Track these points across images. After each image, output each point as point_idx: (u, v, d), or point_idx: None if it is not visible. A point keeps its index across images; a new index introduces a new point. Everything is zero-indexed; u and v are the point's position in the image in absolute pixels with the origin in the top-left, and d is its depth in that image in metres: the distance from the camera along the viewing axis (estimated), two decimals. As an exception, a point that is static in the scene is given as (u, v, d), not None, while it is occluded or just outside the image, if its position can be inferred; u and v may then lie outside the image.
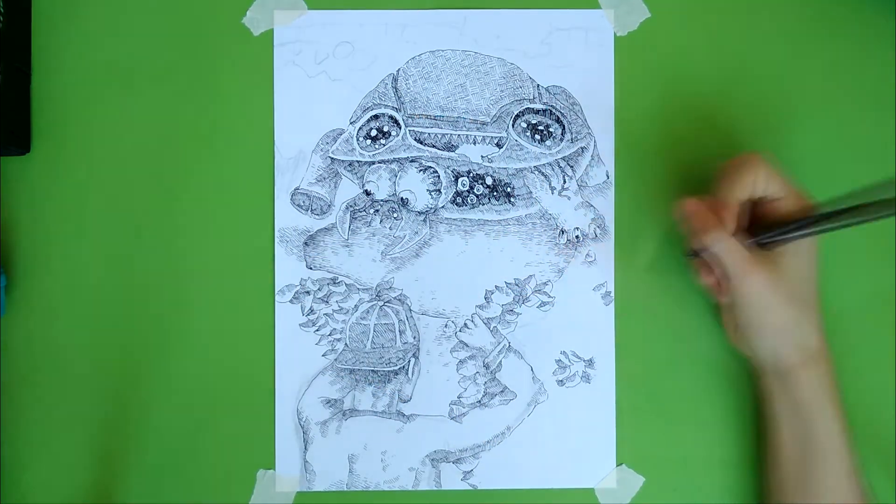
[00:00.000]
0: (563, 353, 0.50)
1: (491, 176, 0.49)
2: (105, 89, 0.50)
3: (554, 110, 0.50)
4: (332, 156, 0.50)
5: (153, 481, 0.49)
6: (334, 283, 0.50)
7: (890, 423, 0.49)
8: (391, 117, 0.50)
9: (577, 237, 0.50)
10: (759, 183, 0.42)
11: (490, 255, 0.50)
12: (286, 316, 0.49)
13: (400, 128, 0.50)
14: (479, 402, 0.49)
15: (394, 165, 0.50)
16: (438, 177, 0.49)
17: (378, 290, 0.50)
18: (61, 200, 0.50)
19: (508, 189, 0.49)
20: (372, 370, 0.50)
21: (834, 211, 0.39)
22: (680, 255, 0.49)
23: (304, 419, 0.49)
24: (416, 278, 0.49)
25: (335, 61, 0.50)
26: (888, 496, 0.48)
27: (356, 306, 0.50)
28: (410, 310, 0.50)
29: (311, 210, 0.50)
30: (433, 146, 0.49)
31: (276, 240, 0.49)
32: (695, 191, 0.49)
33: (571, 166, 0.50)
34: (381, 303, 0.50)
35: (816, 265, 0.44)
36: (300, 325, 0.49)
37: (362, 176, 0.50)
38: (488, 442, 0.49)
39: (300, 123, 0.50)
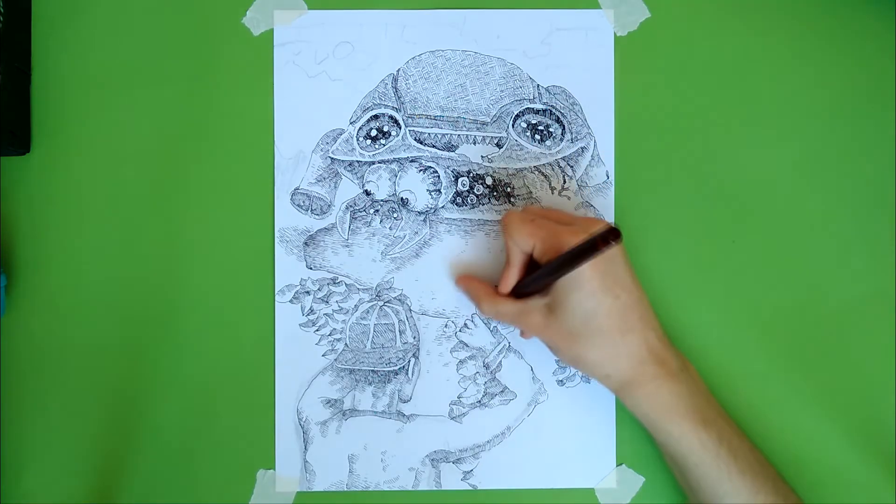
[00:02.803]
0: (563, 353, 0.49)
1: (491, 176, 0.49)
2: (105, 89, 0.50)
3: (554, 110, 0.50)
4: (332, 156, 0.50)
5: (153, 481, 0.49)
6: (334, 283, 0.50)
7: (890, 423, 0.49)
8: (391, 117, 0.50)
9: (577, 237, 0.49)
10: (517, 243, 0.44)
11: (490, 255, 0.50)
12: (286, 316, 0.49)
13: (400, 128, 0.50)
14: (479, 402, 0.49)
15: (394, 165, 0.50)
16: (438, 177, 0.49)
17: (378, 290, 0.50)
18: (61, 200, 0.50)
19: (508, 189, 0.49)
20: (372, 370, 0.50)
21: (559, 258, 0.41)
22: (678, 257, 0.49)
23: (304, 419, 0.49)
24: (416, 278, 0.49)
25: (335, 61, 0.50)
26: (888, 496, 0.48)
27: (356, 306, 0.50)
28: (410, 310, 0.50)
29: (311, 210, 0.50)
30: (433, 146, 0.49)
31: (276, 240, 0.49)
32: (695, 190, 0.49)
33: (571, 166, 0.50)
34: (381, 303, 0.50)
35: (598, 296, 0.42)
36: (300, 325, 0.49)
37: (362, 176, 0.50)
38: (488, 442, 0.49)
39: (300, 123, 0.50)
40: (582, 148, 0.50)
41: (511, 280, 0.45)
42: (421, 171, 0.49)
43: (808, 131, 0.50)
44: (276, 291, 0.49)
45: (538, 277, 0.43)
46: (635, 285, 0.44)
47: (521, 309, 0.44)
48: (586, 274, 0.41)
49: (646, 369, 0.43)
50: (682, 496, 0.49)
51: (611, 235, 0.37)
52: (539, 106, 0.50)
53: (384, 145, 0.50)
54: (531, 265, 0.45)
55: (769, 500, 0.43)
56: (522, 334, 0.48)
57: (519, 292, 0.45)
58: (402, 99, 0.50)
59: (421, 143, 0.49)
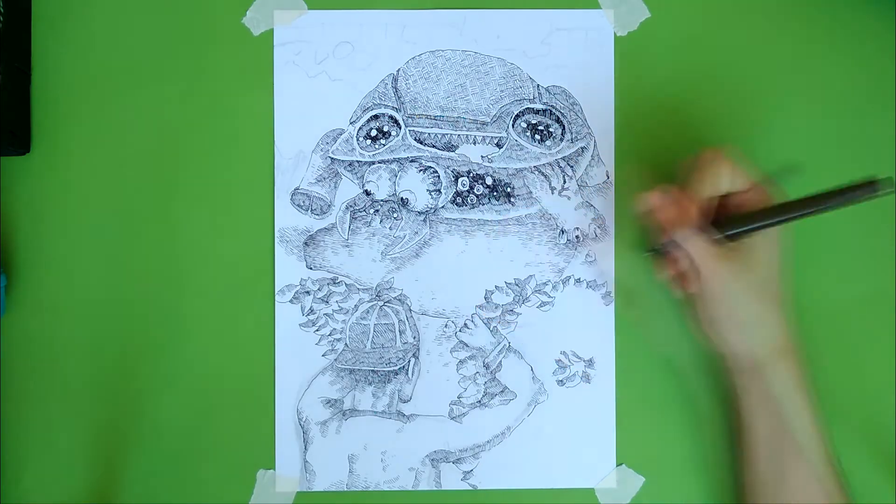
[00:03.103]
0: (563, 353, 0.50)
1: (491, 176, 0.49)
2: (105, 89, 0.50)
3: (554, 110, 0.50)
4: (332, 156, 0.50)
5: (153, 481, 0.49)
6: (334, 283, 0.50)
7: (890, 423, 0.49)
8: (391, 117, 0.50)
9: (577, 237, 0.50)
10: (724, 178, 0.43)
11: (490, 255, 0.50)
12: (286, 316, 0.49)
13: (400, 128, 0.50)
14: (479, 402, 0.49)
15: (394, 165, 0.50)
16: (438, 177, 0.49)
17: (378, 290, 0.50)
18: (61, 200, 0.50)
19: (508, 189, 0.49)
20: (372, 370, 0.50)
21: (795, 200, 0.40)
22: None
23: (304, 419, 0.49)
24: (416, 278, 0.49)
25: (335, 61, 0.50)
26: (888, 496, 0.48)
27: (356, 306, 0.50)
28: (410, 310, 0.50)
29: (311, 210, 0.50)
30: (433, 146, 0.49)
31: (276, 240, 0.49)
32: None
33: (571, 166, 0.50)
34: (381, 303, 0.50)
35: (782, 259, 0.43)
36: (300, 325, 0.49)
37: (362, 176, 0.50)
38: (488, 442, 0.49)
39: (300, 123, 0.50)
40: (582, 148, 0.50)
41: (698, 221, 0.42)
42: (421, 171, 0.49)
43: (808, 131, 0.50)
44: (276, 291, 0.49)
45: (766, 216, 0.41)
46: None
47: (720, 253, 0.42)
48: (776, 233, 0.42)
49: (791, 342, 0.44)
50: (681, 496, 0.49)
51: (876, 187, 0.38)
52: (539, 106, 0.50)
53: (384, 145, 0.50)
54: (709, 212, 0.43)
55: (845, 498, 0.44)
56: (679, 287, 0.45)
57: (728, 231, 0.43)
58: (402, 99, 0.50)
59: (421, 143, 0.49)
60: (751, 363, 0.44)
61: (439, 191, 0.49)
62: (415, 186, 0.49)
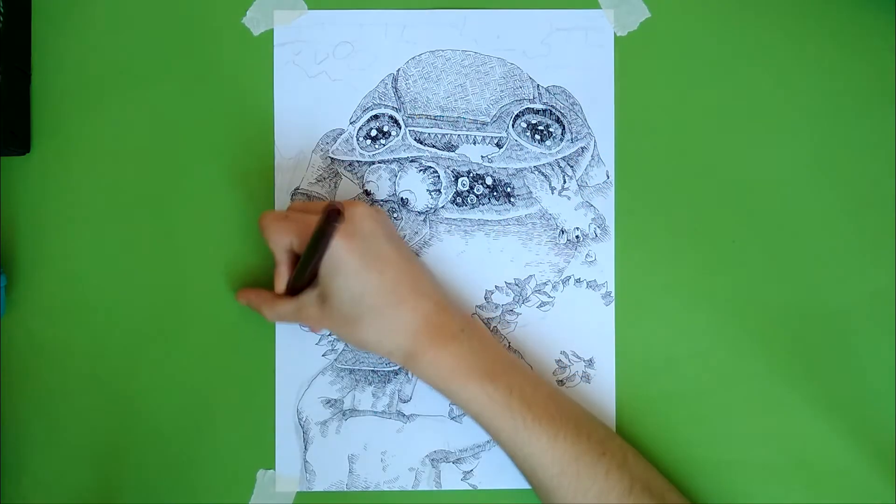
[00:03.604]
0: (563, 353, 0.50)
1: (491, 176, 0.49)
2: (105, 89, 0.50)
3: (554, 110, 0.50)
4: (332, 156, 0.50)
5: (153, 481, 0.49)
6: (334, 283, 0.49)
7: (890, 423, 0.49)
8: (391, 117, 0.50)
9: (577, 237, 0.50)
10: (275, 242, 0.45)
11: (490, 255, 0.50)
12: (286, 316, 0.49)
13: (400, 128, 0.50)
14: (479, 402, 0.49)
15: (394, 165, 0.50)
16: (438, 177, 0.49)
17: (378, 290, 0.50)
18: (61, 200, 0.50)
19: (508, 189, 0.49)
20: (372, 370, 0.50)
21: (307, 247, 0.42)
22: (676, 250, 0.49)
23: (304, 419, 0.49)
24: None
25: (335, 61, 0.50)
26: (888, 496, 0.48)
27: (356, 306, 0.50)
28: (410, 310, 0.50)
29: (311, 210, 0.49)
30: (433, 146, 0.49)
31: (276, 240, 0.49)
32: (695, 190, 0.49)
33: (571, 166, 0.50)
34: (381, 303, 0.50)
35: (361, 275, 0.42)
36: (300, 325, 0.49)
37: (362, 176, 0.50)
38: (488, 442, 0.49)
39: (300, 123, 0.50)
40: (582, 148, 0.50)
41: (281, 279, 0.46)
42: (421, 171, 0.49)
43: (808, 131, 0.50)
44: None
45: (298, 272, 0.44)
46: (401, 257, 0.44)
47: (297, 305, 0.45)
48: (344, 257, 0.42)
49: (423, 338, 0.43)
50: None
51: (331, 217, 0.37)
52: (539, 106, 0.50)
53: (384, 145, 0.50)
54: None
55: (569, 441, 0.43)
56: (312, 329, 0.49)
57: (294, 288, 0.45)
58: (402, 99, 0.50)
59: (421, 143, 0.49)
60: (400, 362, 0.44)
61: (439, 191, 0.49)
62: (415, 186, 0.49)
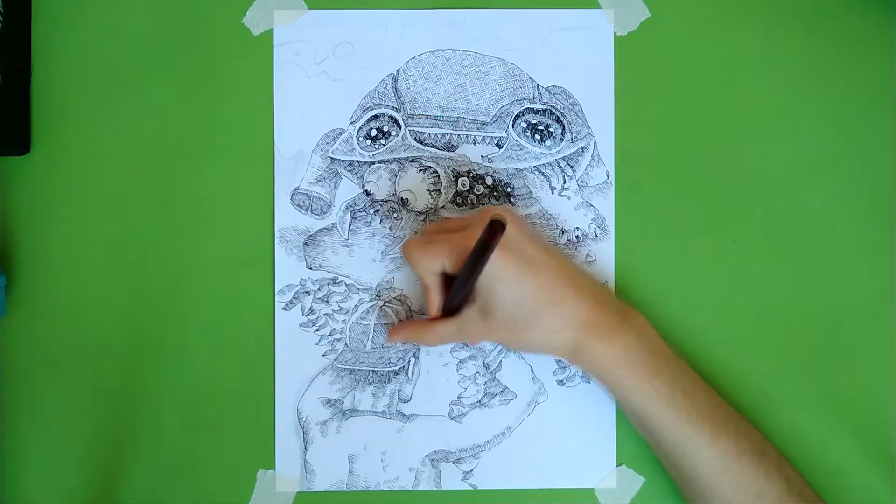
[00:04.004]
0: (563, 353, 0.49)
1: (491, 176, 0.49)
2: (105, 89, 0.50)
3: (554, 110, 0.50)
4: (332, 156, 0.50)
5: (153, 481, 0.49)
6: (334, 283, 0.50)
7: (890, 423, 0.49)
8: (391, 117, 0.50)
9: (577, 237, 0.50)
10: (426, 269, 0.45)
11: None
12: (286, 316, 0.49)
13: (400, 128, 0.50)
14: (479, 402, 0.49)
15: (394, 165, 0.50)
16: (438, 177, 0.49)
17: (378, 290, 0.50)
18: (61, 200, 0.50)
19: (508, 189, 0.49)
20: (372, 370, 0.50)
21: (464, 268, 0.42)
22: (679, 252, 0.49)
23: (304, 419, 0.49)
24: (417, 278, 0.49)
25: (335, 61, 0.50)
26: (888, 496, 0.48)
27: (356, 306, 0.50)
28: (410, 310, 0.50)
29: (311, 210, 0.50)
30: (433, 146, 0.49)
31: (276, 240, 0.49)
32: (695, 190, 0.49)
33: (571, 166, 0.50)
34: (381, 303, 0.50)
35: (519, 280, 0.43)
36: (300, 325, 0.49)
37: (362, 176, 0.50)
38: (488, 442, 0.49)
39: (300, 123, 0.50)
40: (582, 148, 0.50)
41: (435, 302, 0.46)
42: (421, 171, 0.49)
43: (807, 131, 0.50)
44: (276, 291, 0.49)
45: (457, 290, 0.44)
46: (550, 256, 0.44)
47: (459, 324, 0.45)
48: (499, 265, 0.42)
49: (588, 332, 0.44)
50: (681, 497, 0.49)
51: (495, 230, 0.37)
52: (539, 106, 0.50)
53: (384, 145, 0.50)
54: (448, 281, 0.45)
55: (731, 440, 0.43)
56: (472, 343, 0.49)
57: (450, 309, 0.45)
58: (402, 99, 0.50)
59: (421, 143, 0.49)
60: (567, 358, 0.45)
61: (439, 191, 0.49)
62: (415, 186, 0.49)
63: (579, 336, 0.44)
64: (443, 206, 0.49)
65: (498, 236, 0.37)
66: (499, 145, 0.49)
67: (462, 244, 0.43)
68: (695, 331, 0.49)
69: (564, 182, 0.50)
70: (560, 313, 0.44)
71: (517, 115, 0.49)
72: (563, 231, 0.49)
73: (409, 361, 0.50)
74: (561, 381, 0.49)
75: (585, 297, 0.44)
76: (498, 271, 0.42)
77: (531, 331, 0.44)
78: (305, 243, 0.49)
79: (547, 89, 0.50)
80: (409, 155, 0.49)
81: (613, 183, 0.50)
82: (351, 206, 0.50)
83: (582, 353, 0.44)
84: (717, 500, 0.43)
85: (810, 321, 0.49)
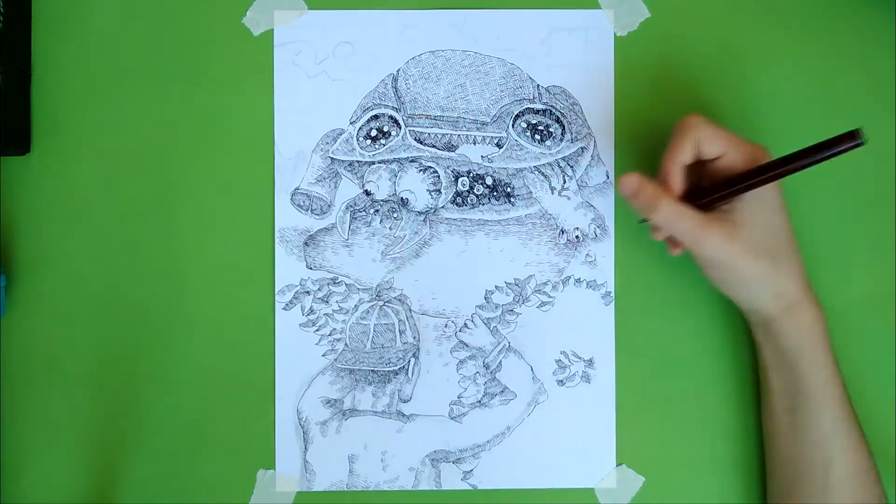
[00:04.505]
0: (563, 353, 0.50)
1: (491, 176, 0.49)
2: (105, 89, 0.50)
3: (554, 110, 0.50)
4: (332, 156, 0.50)
5: (153, 481, 0.49)
6: (334, 283, 0.50)
7: (890, 423, 0.49)
8: (391, 117, 0.50)
9: (577, 237, 0.50)
10: (698, 145, 0.43)
11: (490, 255, 0.50)
12: (286, 316, 0.49)
13: (400, 128, 0.50)
14: (479, 402, 0.49)
15: (394, 165, 0.50)
16: (438, 177, 0.49)
17: (378, 290, 0.50)
18: (61, 200, 0.50)
19: (508, 189, 0.49)
20: (372, 370, 0.50)
21: (768, 164, 0.41)
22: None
23: (304, 419, 0.49)
24: (416, 278, 0.49)
25: (335, 61, 0.50)
26: (888, 496, 0.48)
27: (356, 306, 0.50)
28: (410, 310, 0.50)
29: (311, 210, 0.50)
30: (433, 146, 0.49)
31: (276, 240, 0.49)
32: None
33: (571, 166, 0.50)
34: (381, 303, 0.50)
35: (782, 212, 0.43)
36: (300, 325, 0.49)
37: (362, 176, 0.50)
38: (488, 442, 0.49)
39: (300, 123, 0.50)
40: (582, 148, 0.50)
41: (680, 184, 0.43)
42: (421, 171, 0.49)
43: (807, 131, 0.49)
44: (276, 291, 0.49)
45: (746, 182, 0.41)
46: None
47: (703, 221, 0.42)
48: (771, 191, 0.42)
49: (809, 293, 0.44)
50: (681, 496, 0.49)
51: (854, 137, 0.37)
52: (539, 106, 0.50)
53: (384, 145, 0.50)
54: (690, 177, 0.44)
55: (866, 452, 0.44)
56: (673, 250, 0.46)
57: (696, 201, 0.43)
58: (402, 99, 0.50)
59: (421, 143, 0.49)
60: (761, 318, 0.44)
61: (439, 191, 0.49)
62: (415, 186, 0.49)
63: (802, 293, 0.43)
64: (443, 206, 0.49)
65: (847, 147, 0.37)
66: (499, 145, 0.49)
67: (754, 150, 0.42)
68: (695, 331, 0.49)
69: (564, 182, 0.50)
70: (798, 263, 0.43)
71: (517, 115, 0.49)
72: (563, 231, 0.50)
73: (409, 361, 0.50)
74: (561, 381, 0.49)
75: (801, 260, 0.44)
76: (769, 195, 0.42)
77: (771, 264, 0.42)
78: (305, 243, 0.49)
79: (547, 89, 0.50)
80: (409, 155, 0.50)
81: (613, 183, 0.50)
82: (351, 206, 0.50)
83: (796, 311, 0.43)
84: (827, 501, 0.43)
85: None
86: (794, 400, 0.44)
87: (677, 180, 0.43)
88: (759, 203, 0.42)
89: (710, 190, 0.43)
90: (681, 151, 0.43)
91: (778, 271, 0.43)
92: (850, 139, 0.38)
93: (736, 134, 0.43)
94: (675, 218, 0.42)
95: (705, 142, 0.43)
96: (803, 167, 0.40)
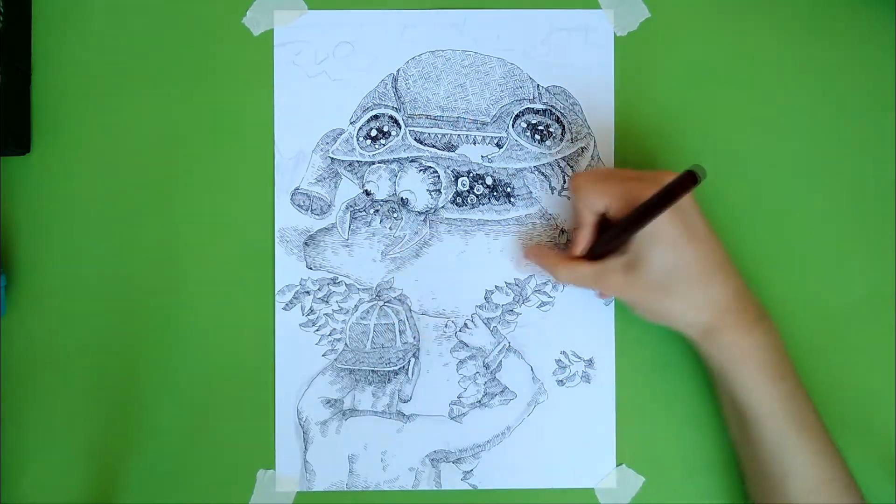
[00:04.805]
0: (563, 353, 0.50)
1: (491, 176, 0.49)
2: (105, 89, 0.50)
3: (554, 110, 0.50)
4: (332, 156, 0.50)
5: (153, 481, 0.49)
6: (334, 283, 0.50)
7: (890, 423, 0.49)
8: (391, 117, 0.50)
9: (577, 237, 0.49)
10: (588, 204, 0.44)
11: (490, 255, 0.50)
12: (286, 316, 0.49)
13: (400, 128, 0.50)
14: (479, 402, 0.49)
15: (394, 165, 0.50)
16: (438, 177, 0.49)
17: (378, 290, 0.50)
18: (61, 200, 0.50)
19: (508, 189, 0.49)
20: (372, 370, 0.50)
21: (630, 215, 0.41)
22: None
23: (304, 419, 0.49)
24: (416, 278, 0.49)
25: (335, 61, 0.50)
26: (888, 496, 0.48)
27: (356, 306, 0.50)
28: (410, 310, 0.50)
29: (311, 210, 0.50)
30: (433, 146, 0.49)
31: (276, 240, 0.49)
32: (694, 190, 0.49)
33: (571, 166, 0.50)
34: (381, 303, 0.50)
35: (685, 245, 0.43)
36: (300, 325, 0.49)
37: (362, 176, 0.50)
38: (488, 442, 0.49)
39: (300, 123, 0.50)
40: (582, 148, 0.50)
41: (584, 242, 0.45)
42: (421, 171, 0.49)
43: (807, 131, 0.50)
44: (276, 291, 0.49)
45: (615, 234, 0.43)
46: (711, 234, 0.44)
47: (599, 270, 0.44)
48: (665, 226, 0.42)
49: (727, 317, 0.43)
50: (681, 496, 0.49)
51: (688, 180, 0.37)
52: (539, 106, 0.50)
53: (384, 145, 0.50)
54: (602, 226, 0.45)
55: (827, 465, 0.43)
56: (601, 295, 0.48)
57: (595, 253, 0.45)
58: (402, 99, 0.50)
59: (421, 143, 0.49)
60: (691, 340, 0.45)
61: (439, 191, 0.49)
62: (415, 186, 0.49)
63: (717, 319, 0.43)
64: (443, 206, 0.49)
65: (689, 188, 0.37)
66: (499, 145, 0.49)
67: (634, 192, 0.42)
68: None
69: (564, 182, 0.50)
70: (706, 291, 0.43)
71: (517, 115, 0.49)
72: (563, 231, 0.50)
73: (409, 361, 0.50)
74: (561, 381, 0.49)
75: (733, 282, 0.44)
76: (661, 230, 0.42)
77: (672, 300, 0.43)
78: (305, 243, 0.49)
79: (547, 89, 0.50)
80: (409, 155, 0.49)
81: (613, 183, 0.50)
82: (351, 206, 0.50)
83: (713, 336, 0.43)
84: None
85: (810, 321, 0.49)
86: (738, 415, 0.45)
87: (581, 240, 0.46)
88: (651, 243, 0.42)
89: (603, 241, 0.45)
90: (576, 213, 0.46)
91: (681, 304, 0.43)
92: (690, 181, 0.37)
93: (627, 177, 0.44)
94: (572, 274, 0.45)
95: (586, 201, 0.44)
96: (650, 217, 0.40)
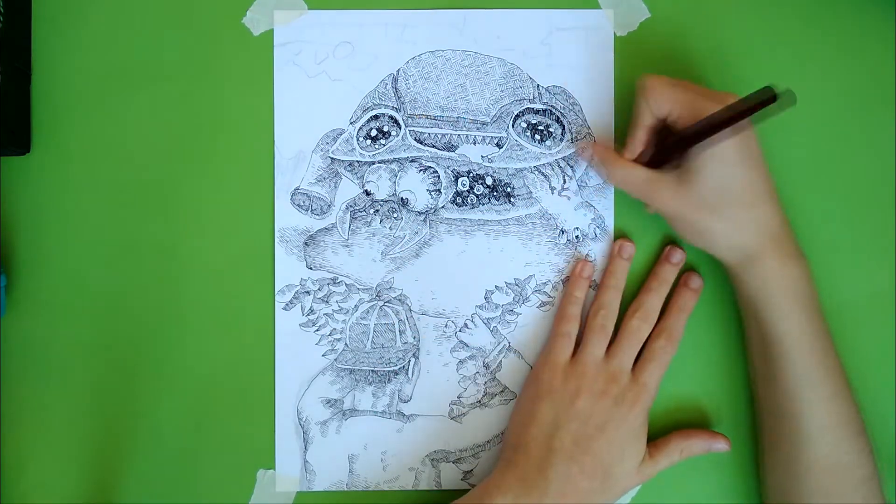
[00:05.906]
0: (563, 353, 0.49)
1: (491, 176, 0.49)
2: (105, 89, 0.50)
3: (554, 110, 0.50)
4: (332, 156, 0.50)
5: (153, 481, 0.49)
6: (334, 283, 0.50)
7: (890, 423, 0.49)
8: (391, 117, 0.50)
9: (577, 237, 0.50)
10: (654, 106, 0.44)
11: (490, 255, 0.50)
12: (286, 316, 0.49)
13: (400, 128, 0.50)
14: (479, 402, 0.49)
15: (394, 165, 0.50)
16: (438, 177, 0.49)
17: (378, 290, 0.50)
18: (61, 200, 0.50)
19: (508, 189, 0.49)
20: (372, 370, 0.50)
21: (703, 121, 0.41)
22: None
23: (304, 419, 0.49)
24: (416, 278, 0.50)
25: (335, 61, 0.50)
26: (888, 496, 0.48)
27: (356, 306, 0.50)
28: (410, 310, 0.50)
29: (311, 210, 0.50)
30: (433, 146, 0.49)
31: (276, 240, 0.49)
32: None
33: (571, 166, 0.50)
34: (381, 303, 0.50)
35: (742, 167, 0.43)
36: (300, 325, 0.49)
37: (362, 176, 0.50)
38: (488, 442, 0.49)
39: (300, 123, 0.50)
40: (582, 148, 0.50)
41: (637, 144, 0.45)
42: (421, 171, 0.49)
43: (807, 131, 0.50)
44: (276, 291, 0.49)
45: (681, 141, 0.42)
46: (764, 161, 0.44)
47: (653, 178, 0.44)
48: (725, 145, 0.42)
49: (770, 244, 0.44)
50: (681, 496, 0.49)
51: (767, 98, 0.37)
52: (539, 106, 0.50)
53: (384, 145, 0.50)
54: (658, 134, 0.45)
55: (845, 405, 0.44)
56: (647, 208, 0.48)
57: (649, 161, 0.45)
58: (402, 99, 0.50)
59: (421, 143, 0.49)
60: (726, 266, 0.45)
61: (439, 191, 0.49)
62: (415, 186, 0.49)
63: (760, 245, 0.43)
64: (443, 206, 0.49)
65: (769, 106, 0.37)
66: (499, 145, 0.49)
67: (702, 105, 0.42)
68: (694, 331, 0.49)
69: (564, 182, 0.50)
70: (754, 215, 0.43)
71: (517, 115, 0.49)
72: (563, 231, 0.50)
73: (409, 361, 0.50)
74: (561, 381, 0.49)
75: (780, 212, 0.44)
76: (720, 148, 0.42)
77: (719, 220, 0.43)
78: (305, 243, 0.49)
79: (547, 89, 0.50)
80: (409, 155, 0.50)
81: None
82: (351, 206, 0.50)
83: (754, 263, 0.43)
84: (811, 455, 0.44)
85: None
86: (764, 348, 0.45)
87: (636, 142, 0.45)
88: (710, 159, 0.42)
89: (663, 149, 0.44)
90: (637, 114, 0.45)
91: (727, 225, 0.43)
92: (769, 99, 0.37)
93: (697, 89, 0.44)
94: (625, 177, 0.45)
95: (653, 102, 0.44)
96: (726, 125, 0.40)
